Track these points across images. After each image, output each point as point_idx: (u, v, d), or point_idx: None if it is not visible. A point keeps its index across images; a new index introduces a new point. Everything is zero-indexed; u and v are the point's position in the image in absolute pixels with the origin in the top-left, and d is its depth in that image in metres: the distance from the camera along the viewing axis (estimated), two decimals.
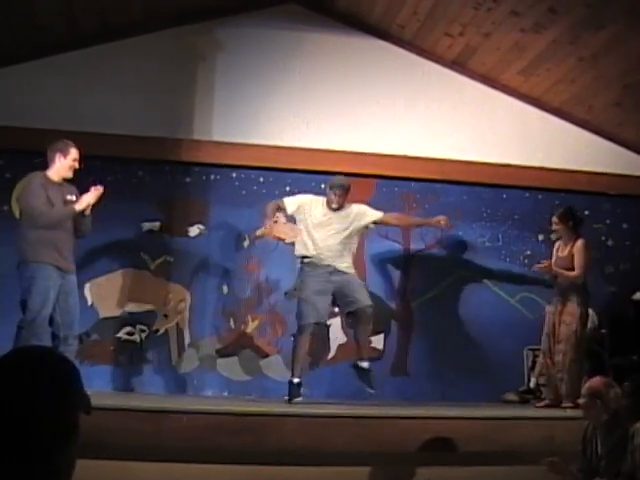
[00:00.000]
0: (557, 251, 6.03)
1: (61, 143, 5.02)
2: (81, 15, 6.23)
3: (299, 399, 5.42)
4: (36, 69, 6.46)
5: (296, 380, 5.47)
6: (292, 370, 5.56)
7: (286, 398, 5.41)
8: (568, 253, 5.86)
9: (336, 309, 6.04)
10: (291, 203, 5.76)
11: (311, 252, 5.62)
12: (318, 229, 5.65)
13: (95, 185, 5.00)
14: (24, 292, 4.79)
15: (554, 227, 6.04)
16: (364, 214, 5.78)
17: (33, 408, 1.25)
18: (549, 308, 5.93)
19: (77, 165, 5.01)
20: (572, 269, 5.81)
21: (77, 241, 5.15)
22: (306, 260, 5.65)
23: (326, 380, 6.58)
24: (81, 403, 1.34)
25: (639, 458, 3.25)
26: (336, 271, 5.60)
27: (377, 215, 5.83)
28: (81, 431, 1.31)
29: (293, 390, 5.43)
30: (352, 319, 5.75)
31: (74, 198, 5.02)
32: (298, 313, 5.56)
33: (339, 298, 5.66)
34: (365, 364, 5.61)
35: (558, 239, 6.14)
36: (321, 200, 5.77)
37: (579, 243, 5.87)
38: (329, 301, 5.64)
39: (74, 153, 4.99)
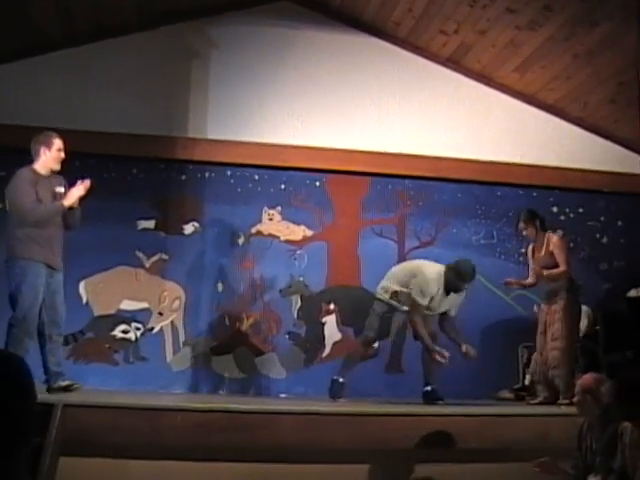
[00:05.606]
0: (533, 254, 6.00)
1: (43, 136, 4.96)
2: (75, 13, 6.22)
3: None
4: (30, 67, 6.45)
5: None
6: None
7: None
8: (545, 252, 5.83)
9: None
10: None
11: None
12: None
13: (82, 180, 4.94)
14: (13, 289, 4.77)
15: (524, 233, 5.99)
16: None
17: None
18: (541, 306, 5.94)
19: (62, 155, 4.96)
20: (555, 266, 5.79)
21: (68, 237, 5.09)
22: None
23: (321, 378, 6.58)
24: (30, 395, 1.29)
25: (629, 456, 3.26)
26: None
27: None
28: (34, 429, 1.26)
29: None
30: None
31: (62, 190, 4.97)
32: None
33: None
34: (428, 388, 5.65)
35: (533, 244, 6.06)
36: None
37: (555, 239, 5.86)
38: None
39: (58, 143, 4.93)
